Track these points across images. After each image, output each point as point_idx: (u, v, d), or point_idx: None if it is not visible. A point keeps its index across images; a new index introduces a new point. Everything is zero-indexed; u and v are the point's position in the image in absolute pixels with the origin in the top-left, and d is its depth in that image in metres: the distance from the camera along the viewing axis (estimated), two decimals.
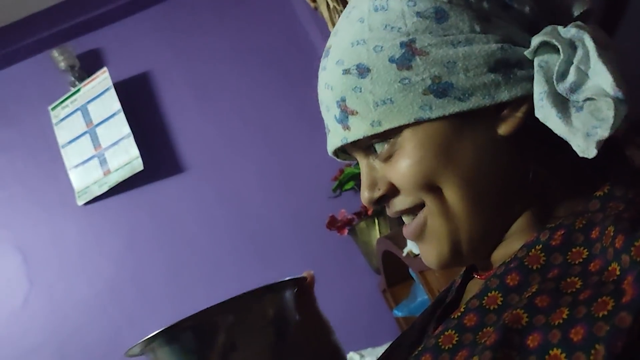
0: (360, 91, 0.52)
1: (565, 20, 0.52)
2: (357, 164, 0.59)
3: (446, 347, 0.46)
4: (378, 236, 1.88)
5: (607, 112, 0.44)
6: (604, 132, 0.44)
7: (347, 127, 0.53)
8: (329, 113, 0.56)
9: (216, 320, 0.49)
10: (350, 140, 0.54)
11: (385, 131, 0.51)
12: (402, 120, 0.50)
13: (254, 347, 0.49)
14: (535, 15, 0.51)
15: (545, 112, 0.47)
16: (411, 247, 1.49)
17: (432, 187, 0.51)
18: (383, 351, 0.64)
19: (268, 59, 2.24)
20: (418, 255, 1.47)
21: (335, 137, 0.56)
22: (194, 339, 0.49)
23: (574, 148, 0.46)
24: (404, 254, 1.50)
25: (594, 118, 0.45)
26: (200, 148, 2.16)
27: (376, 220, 1.91)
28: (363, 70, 0.52)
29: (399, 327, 1.86)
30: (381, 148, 0.53)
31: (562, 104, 0.47)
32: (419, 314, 1.70)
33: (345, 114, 0.53)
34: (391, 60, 0.50)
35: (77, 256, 2.05)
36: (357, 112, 0.52)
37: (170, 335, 0.49)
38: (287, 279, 0.53)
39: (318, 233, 2.02)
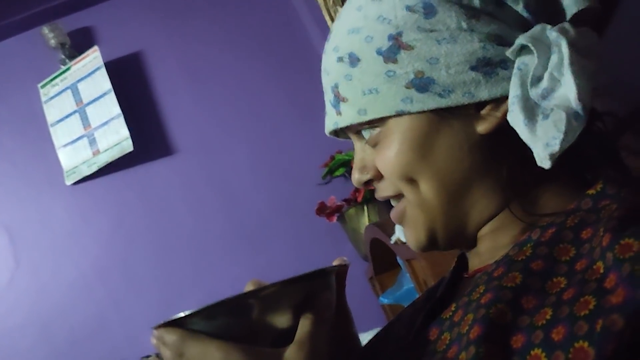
0: (351, 79, 0.53)
1: (561, 19, 0.51)
2: (350, 151, 0.60)
3: (441, 349, 0.46)
4: (367, 223, 1.88)
5: (567, 125, 0.44)
6: (557, 146, 0.44)
7: (339, 113, 0.55)
8: (327, 96, 0.57)
9: (281, 297, 0.47)
10: (340, 125, 0.56)
11: (371, 120, 0.53)
12: (385, 112, 0.52)
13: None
14: (529, 13, 0.51)
15: (514, 117, 0.47)
16: (399, 234, 1.50)
17: (409, 179, 0.52)
18: (369, 338, 0.65)
19: (261, 43, 2.22)
20: (406, 242, 1.47)
21: (330, 121, 0.58)
22: (250, 316, 0.46)
23: (535, 156, 0.46)
24: (392, 242, 1.50)
25: (556, 129, 0.45)
26: (190, 131, 2.15)
27: (365, 208, 1.91)
28: (354, 60, 0.53)
29: (384, 314, 1.87)
30: (368, 135, 0.55)
31: (531, 110, 0.47)
32: (404, 301, 1.71)
33: (338, 99, 0.55)
34: (379, 52, 0.51)
35: (64, 236, 2.04)
36: (347, 99, 0.54)
37: (231, 307, 0.46)
38: (334, 264, 0.52)
39: (307, 219, 2.02)
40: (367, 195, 1.89)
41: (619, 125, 0.56)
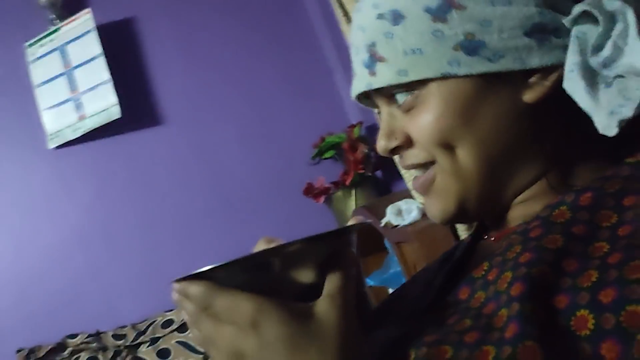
0: (392, 37, 0.51)
1: None
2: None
3: (475, 307, 0.46)
4: (354, 207, 1.88)
5: (636, 92, 0.44)
6: (628, 112, 0.44)
7: (373, 73, 0.53)
8: (358, 56, 0.55)
9: (306, 253, 0.45)
10: (375, 86, 0.53)
11: (411, 82, 0.51)
12: (429, 73, 0.50)
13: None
14: None
15: (574, 84, 0.47)
16: (389, 218, 1.50)
17: (447, 145, 0.51)
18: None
19: (258, 17, 2.19)
20: (396, 226, 1.47)
21: (361, 82, 0.55)
22: (274, 273, 0.45)
23: (596, 124, 0.46)
24: (382, 225, 1.51)
25: (621, 96, 0.45)
26: (180, 101, 2.11)
27: (353, 191, 1.91)
28: (397, 17, 0.51)
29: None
30: (404, 99, 0.52)
31: (591, 77, 0.46)
32: (391, 284, 1.71)
33: (374, 59, 0.52)
34: (427, 10, 0.49)
35: (44, 201, 1.99)
36: (385, 59, 0.52)
37: (256, 263, 0.44)
38: (353, 223, 0.50)
39: (294, 199, 2.01)
40: (355, 179, 1.89)
41: None
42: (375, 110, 0.60)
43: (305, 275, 0.46)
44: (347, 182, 1.90)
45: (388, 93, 0.54)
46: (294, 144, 2.08)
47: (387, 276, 1.55)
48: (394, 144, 0.54)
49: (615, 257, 0.40)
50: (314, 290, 0.45)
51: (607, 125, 0.45)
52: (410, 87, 0.52)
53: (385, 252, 1.70)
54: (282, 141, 2.11)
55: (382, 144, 0.55)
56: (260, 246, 0.49)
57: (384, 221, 1.52)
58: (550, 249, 0.43)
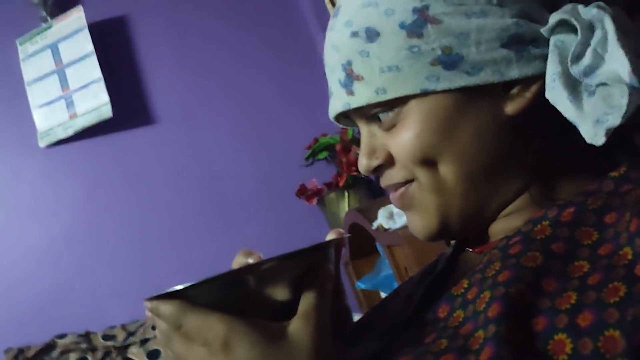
0: (368, 56, 0.50)
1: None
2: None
3: (453, 326, 0.45)
4: (347, 209, 1.88)
5: (621, 100, 0.43)
6: (615, 120, 0.43)
7: (351, 92, 0.51)
8: (334, 76, 0.53)
9: (281, 270, 0.45)
10: (353, 106, 0.52)
11: (389, 100, 0.50)
12: (407, 90, 0.49)
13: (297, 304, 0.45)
14: None
15: (556, 94, 0.46)
16: (381, 221, 1.49)
17: (428, 162, 0.50)
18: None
19: (252, 18, 2.18)
20: (388, 229, 1.46)
21: (338, 102, 0.53)
22: (249, 291, 0.44)
23: (582, 134, 0.45)
24: (374, 228, 1.50)
25: (606, 105, 0.44)
26: (172, 101, 2.09)
27: (346, 193, 1.91)
28: (372, 34, 0.49)
29: (357, 299, 1.86)
30: (385, 117, 0.51)
31: (574, 87, 0.45)
32: (382, 288, 1.70)
33: (350, 78, 0.51)
34: (402, 26, 0.48)
35: (33, 199, 1.98)
36: (362, 77, 0.50)
37: (230, 281, 0.43)
38: (332, 236, 0.50)
39: (286, 200, 2.00)
40: (348, 181, 1.88)
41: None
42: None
43: (282, 293, 0.45)
44: (340, 184, 1.89)
45: (366, 112, 0.53)
46: (287, 145, 2.07)
47: (379, 279, 1.54)
48: (375, 162, 0.53)
49: (595, 277, 0.39)
50: (291, 307, 0.44)
51: (594, 135, 0.44)
52: (389, 104, 0.50)
53: (377, 255, 1.69)
54: (275, 142, 2.10)
55: (363, 163, 0.54)
56: (239, 258, 0.48)
57: (375, 224, 1.51)
58: (529, 267, 0.42)
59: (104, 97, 1.97)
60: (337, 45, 0.52)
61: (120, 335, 1.85)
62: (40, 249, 1.94)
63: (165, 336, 0.44)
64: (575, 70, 0.46)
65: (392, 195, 0.54)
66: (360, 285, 1.57)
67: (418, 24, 0.48)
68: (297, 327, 0.42)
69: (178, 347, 0.43)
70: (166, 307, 0.43)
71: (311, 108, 2.09)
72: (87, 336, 1.85)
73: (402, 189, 0.53)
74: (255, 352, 0.41)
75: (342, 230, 0.51)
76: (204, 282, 0.43)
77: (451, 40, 0.48)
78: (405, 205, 0.53)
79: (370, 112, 0.52)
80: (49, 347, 1.83)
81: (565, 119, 0.46)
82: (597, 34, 0.45)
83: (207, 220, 2.01)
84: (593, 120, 0.44)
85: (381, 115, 0.52)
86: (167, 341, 0.44)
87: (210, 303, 0.43)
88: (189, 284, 0.43)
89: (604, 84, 0.45)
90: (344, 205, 1.90)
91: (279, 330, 0.42)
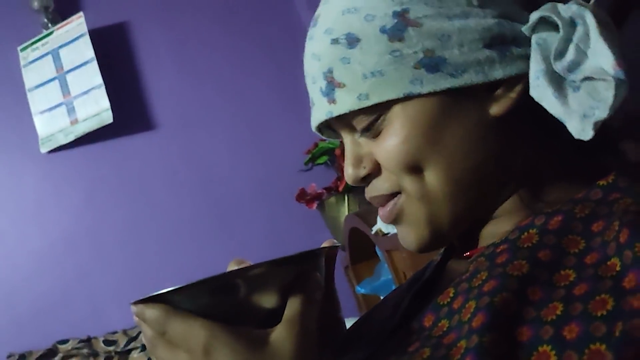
0: (349, 62, 0.49)
1: None
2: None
3: (437, 335, 0.44)
4: (346, 213, 1.88)
5: (606, 93, 0.43)
6: (602, 113, 0.43)
7: (332, 101, 0.51)
8: (315, 85, 0.52)
9: (270, 277, 0.44)
10: (335, 114, 0.51)
11: (372, 105, 0.49)
12: (391, 95, 0.48)
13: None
14: None
15: (541, 92, 0.46)
16: (380, 225, 1.49)
17: (415, 169, 0.49)
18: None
19: (251, 23, 2.19)
20: (387, 234, 1.47)
21: (320, 111, 0.52)
22: (237, 296, 0.43)
23: (570, 129, 0.45)
24: (373, 232, 1.50)
25: (592, 99, 0.44)
26: (172, 107, 2.10)
27: (346, 197, 1.91)
28: (352, 40, 0.49)
29: (357, 304, 1.86)
30: (368, 124, 0.50)
31: (558, 83, 0.45)
32: (382, 292, 1.70)
33: (332, 86, 0.50)
34: (383, 30, 0.48)
35: (34, 205, 1.98)
36: (344, 85, 0.49)
37: (217, 285, 0.43)
38: (324, 246, 0.49)
39: (286, 205, 2.00)
40: (348, 185, 1.88)
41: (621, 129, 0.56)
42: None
43: (269, 299, 0.44)
44: (340, 189, 1.89)
45: (349, 121, 0.52)
46: (287, 150, 2.07)
47: (378, 284, 1.54)
48: (363, 172, 0.52)
49: (581, 288, 0.39)
50: (278, 314, 0.44)
51: (581, 130, 0.44)
52: (373, 111, 0.50)
53: (376, 260, 1.69)
54: (274, 147, 2.10)
55: (350, 174, 0.53)
56: (231, 268, 0.48)
57: (375, 228, 1.51)
58: (515, 275, 0.42)
59: (105, 103, 1.98)
60: (317, 54, 0.52)
61: (122, 340, 1.85)
62: (41, 253, 1.94)
63: (151, 343, 0.43)
64: (559, 66, 0.45)
65: (381, 211, 0.53)
66: (360, 289, 1.57)
67: (399, 27, 0.48)
68: (281, 334, 0.42)
69: (162, 354, 0.43)
70: (151, 312, 0.43)
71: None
72: (88, 341, 1.85)
73: (390, 204, 0.52)
74: (235, 358, 0.40)
75: (334, 240, 0.50)
76: (190, 285, 0.42)
77: (433, 43, 0.47)
78: (395, 220, 0.53)
79: (350, 122, 0.51)
80: (51, 352, 1.83)
81: (552, 120, 0.46)
82: (579, 29, 0.45)
83: (207, 226, 2.02)
84: (580, 115, 0.44)
85: (364, 123, 0.51)
86: (152, 347, 0.44)
87: (196, 308, 0.43)
88: (175, 288, 0.42)
89: (588, 79, 0.45)
90: (344, 210, 1.91)
91: (261, 337, 0.42)
